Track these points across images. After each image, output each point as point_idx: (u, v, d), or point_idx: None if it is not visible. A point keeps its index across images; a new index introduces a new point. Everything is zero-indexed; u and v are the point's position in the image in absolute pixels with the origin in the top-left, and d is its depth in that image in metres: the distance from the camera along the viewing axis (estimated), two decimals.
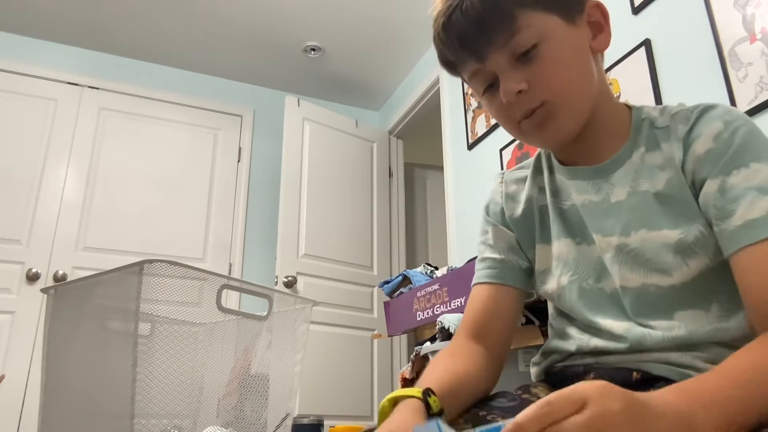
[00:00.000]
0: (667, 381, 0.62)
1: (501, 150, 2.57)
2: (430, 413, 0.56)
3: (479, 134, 2.77)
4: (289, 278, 3.05)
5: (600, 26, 0.70)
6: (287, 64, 3.51)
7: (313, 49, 3.35)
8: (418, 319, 2.11)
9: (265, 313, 1.64)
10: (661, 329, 0.64)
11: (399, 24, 3.13)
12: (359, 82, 3.71)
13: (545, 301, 0.81)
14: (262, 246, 3.42)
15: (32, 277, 2.87)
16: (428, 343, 1.86)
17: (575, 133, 0.69)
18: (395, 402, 0.59)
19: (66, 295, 1.56)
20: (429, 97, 3.38)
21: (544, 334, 1.56)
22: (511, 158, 2.50)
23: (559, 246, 0.74)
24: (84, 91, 3.29)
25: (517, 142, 2.47)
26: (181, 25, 3.16)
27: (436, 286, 2.02)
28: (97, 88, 3.32)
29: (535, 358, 0.79)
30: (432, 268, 2.40)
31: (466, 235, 2.79)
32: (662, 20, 1.84)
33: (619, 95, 1.93)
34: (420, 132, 3.84)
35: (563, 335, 0.74)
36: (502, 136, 2.58)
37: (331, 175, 3.44)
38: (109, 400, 1.35)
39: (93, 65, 3.35)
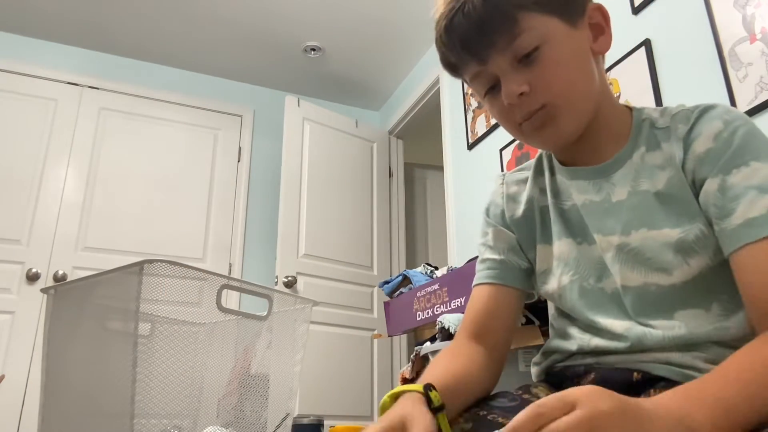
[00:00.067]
0: (667, 381, 0.62)
1: (501, 150, 2.57)
2: (431, 407, 0.56)
3: (479, 134, 2.77)
4: (289, 278, 3.05)
5: (601, 28, 0.70)
6: (287, 64, 3.51)
7: (313, 49, 3.35)
8: (418, 319, 2.11)
9: (265, 313, 1.64)
10: (661, 328, 0.64)
11: (399, 24, 3.13)
12: (359, 82, 3.71)
13: (545, 301, 0.82)
14: (262, 246, 3.43)
15: (32, 277, 2.87)
16: (428, 343, 1.86)
17: (576, 135, 0.69)
18: (396, 397, 0.59)
19: (66, 295, 1.56)
20: (429, 97, 3.38)
21: (544, 334, 1.56)
22: (511, 158, 2.50)
23: (560, 246, 0.75)
24: (84, 91, 3.29)
25: (517, 142, 2.47)
26: (181, 25, 3.16)
27: (436, 286, 2.02)
28: (97, 88, 3.32)
29: (536, 358, 0.79)
30: (432, 268, 2.40)
31: (466, 235, 2.79)
32: (662, 20, 1.84)
33: (619, 95, 1.93)
34: (420, 132, 3.84)
35: (564, 335, 0.74)
36: (502, 136, 2.58)
37: (331, 175, 3.44)
38: (109, 400, 1.35)
39: (93, 65, 3.35)
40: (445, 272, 2.18)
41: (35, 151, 3.07)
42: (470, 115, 2.89)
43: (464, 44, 0.66)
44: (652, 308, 0.66)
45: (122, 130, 3.31)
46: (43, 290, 1.63)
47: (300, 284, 3.09)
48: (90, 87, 3.31)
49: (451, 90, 3.11)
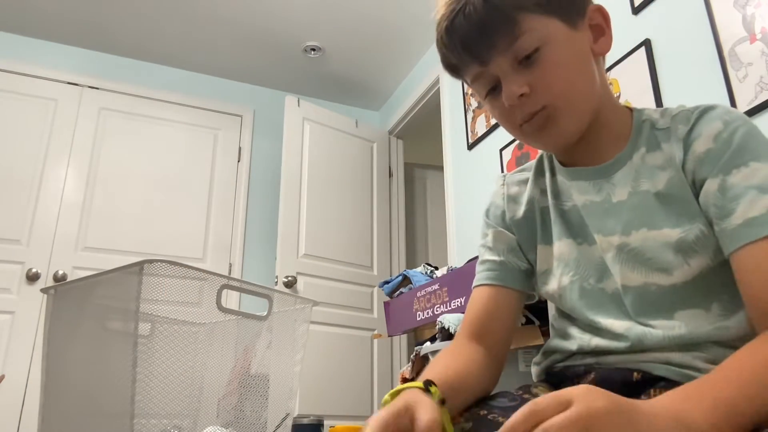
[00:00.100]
0: (667, 381, 0.62)
1: (501, 150, 2.57)
2: None
3: (479, 134, 2.77)
4: (289, 278, 3.05)
5: (601, 29, 0.70)
6: (287, 64, 3.51)
7: (313, 49, 3.35)
8: (418, 319, 2.11)
9: (265, 313, 1.64)
10: (661, 328, 0.64)
11: (399, 24, 3.13)
12: (359, 82, 3.71)
13: (545, 301, 0.82)
14: (262, 246, 3.43)
15: (32, 277, 2.87)
16: (428, 343, 1.86)
17: (577, 136, 0.70)
18: (397, 395, 0.59)
19: (66, 295, 1.56)
20: (429, 97, 3.38)
21: (545, 334, 1.56)
22: (511, 158, 2.50)
23: (560, 246, 0.75)
24: (84, 91, 3.29)
25: (517, 142, 2.47)
26: (181, 25, 3.16)
27: (436, 286, 2.02)
28: (97, 88, 3.32)
29: (536, 358, 0.79)
30: (432, 268, 2.40)
31: (466, 235, 2.79)
32: (662, 20, 1.84)
33: (619, 95, 1.93)
34: (420, 132, 3.84)
35: (564, 335, 0.75)
36: (502, 136, 2.58)
37: (331, 175, 3.44)
38: (109, 400, 1.35)
39: (93, 65, 3.35)
40: (445, 272, 2.18)
41: (35, 151, 3.07)
42: (470, 115, 2.89)
43: (465, 46, 0.67)
44: (652, 308, 0.66)
45: (122, 130, 3.31)
46: (43, 290, 1.63)
47: (300, 284, 3.09)
48: (90, 87, 3.31)
49: (451, 90, 3.11)
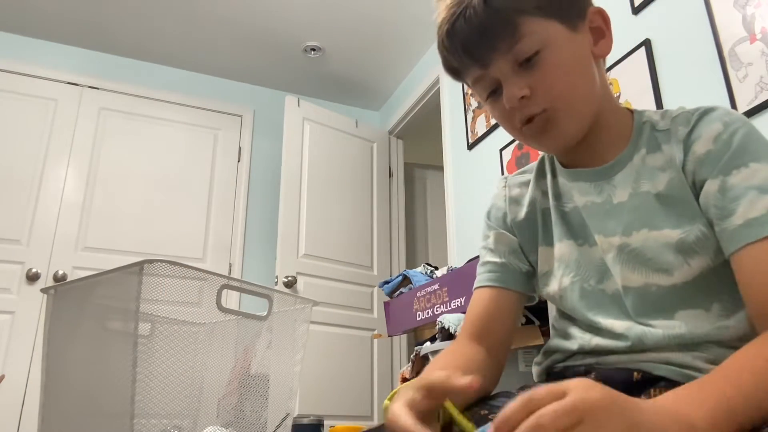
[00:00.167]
0: (667, 381, 0.62)
1: (501, 150, 2.57)
2: None
3: (479, 134, 2.77)
4: (289, 278, 3.05)
5: (601, 32, 0.71)
6: (287, 64, 3.51)
7: (313, 49, 3.35)
8: (418, 319, 2.11)
9: (265, 313, 1.64)
10: (662, 328, 0.64)
11: (399, 24, 3.13)
12: (359, 82, 3.71)
13: (545, 302, 0.82)
14: (262, 246, 3.43)
15: (32, 277, 2.87)
16: (428, 343, 1.86)
17: (577, 138, 0.70)
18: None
19: (66, 295, 1.56)
20: (429, 97, 3.38)
21: (545, 334, 1.56)
22: (511, 158, 2.50)
23: (561, 248, 0.75)
24: (84, 91, 3.29)
25: (517, 142, 2.47)
26: (181, 25, 3.16)
27: (436, 286, 2.02)
28: (97, 88, 3.32)
29: (537, 358, 0.80)
30: (432, 268, 2.40)
31: (466, 235, 2.79)
32: (662, 20, 1.84)
33: (619, 95, 1.93)
34: (420, 132, 3.84)
35: (565, 335, 0.75)
36: (502, 136, 2.58)
37: (331, 175, 3.44)
38: (109, 400, 1.35)
39: (93, 65, 3.35)
40: (445, 272, 2.18)
41: (35, 151, 3.07)
42: (470, 115, 2.89)
43: (466, 49, 0.67)
44: (652, 309, 0.66)
45: (122, 130, 3.32)
46: (43, 290, 1.63)
47: (300, 284, 3.09)
48: (90, 87, 3.31)
49: (451, 90, 3.11)
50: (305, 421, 2.11)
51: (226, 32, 3.22)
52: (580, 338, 0.71)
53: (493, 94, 0.70)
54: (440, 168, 3.19)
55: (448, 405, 0.56)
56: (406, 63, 3.49)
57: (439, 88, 3.23)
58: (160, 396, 1.34)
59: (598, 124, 0.71)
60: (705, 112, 0.67)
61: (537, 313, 1.60)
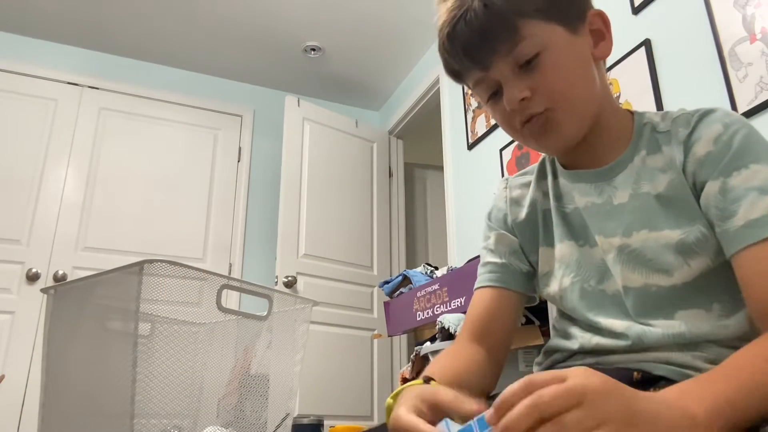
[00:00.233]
0: (667, 381, 0.62)
1: (501, 150, 2.57)
2: None
3: (479, 134, 2.77)
4: (289, 278, 3.05)
5: (601, 34, 0.71)
6: (287, 64, 3.51)
7: (313, 49, 3.35)
8: (418, 319, 2.11)
9: (265, 313, 1.64)
10: (662, 328, 0.65)
11: (399, 24, 3.13)
12: (359, 82, 3.71)
13: (545, 302, 0.82)
14: (262, 246, 3.43)
15: (32, 277, 2.87)
16: (428, 343, 1.86)
17: (578, 139, 0.70)
18: (398, 396, 0.60)
19: (66, 295, 1.56)
20: (429, 97, 3.38)
21: (545, 334, 1.56)
22: (511, 158, 2.50)
23: (562, 248, 0.75)
24: (84, 91, 3.29)
25: (517, 142, 2.47)
26: (181, 25, 3.16)
27: (436, 286, 2.02)
28: (97, 88, 3.32)
29: (538, 358, 0.80)
30: (432, 268, 2.40)
31: (466, 235, 2.79)
32: (662, 20, 1.84)
33: (619, 95, 1.94)
34: (420, 132, 3.84)
35: (566, 335, 0.75)
36: (502, 136, 2.58)
37: (331, 175, 3.44)
38: (109, 400, 1.35)
39: (93, 65, 3.35)
40: (445, 272, 2.18)
41: (35, 151, 3.07)
42: (470, 115, 2.89)
43: (466, 51, 0.67)
44: (652, 309, 0.66)
45: (122, 130, 3.32)
46: (43, 290, 1.63)
47: (300, 284, 3.09)
48: (90, 87, 3.31)
49: (451, 90, 3.11)
50: (305, 421, 2.11)
51: (226, 32, 3.22)
52: (580, 338, 0.72)
53: (494, 96, 0.70)
54: (440, 168, 3.19)
55: None
56: (406, 63, 3.49)
57: (439, 88, 3.23)
58: (160, 396, 1.34)
59: (598, 125, 0.71)
60: (705, 114, 0.67)
61: (537, 313, 1.60)
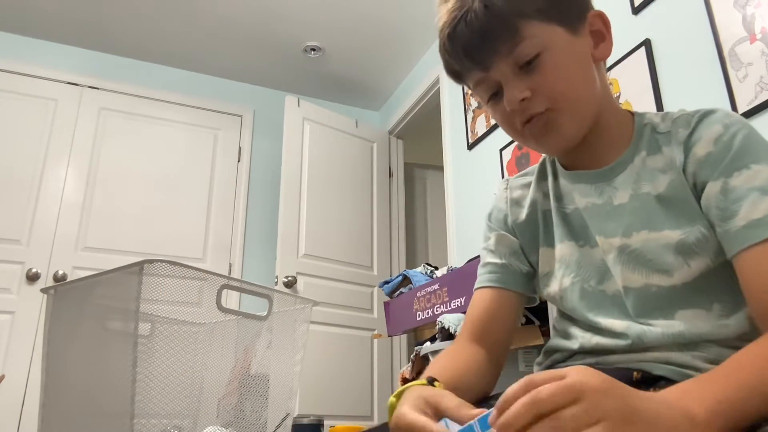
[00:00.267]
0: (667, 381, 0.62)
1: (501, 150, 2.57)
2: None
3: (479, 134, 2.77)
4: (289, 278, 3.05)
5: (602, 35, 0.71)
6: (287, 64, 3.51)
7: (313, 49, 3.35)
8: (418, 319, 2.11)
9: (265, 313, 1.64)
10: (661, 327, 0.65)
11: (399, 24, 3.13)
12: (359, 82, 3.71)
13: (545, 302, 0.82)
14: (262, 246, 3.43)
15: (32, 277, 2.87)
16: (428, 343, 1.87)
17: (578, 140, 0.71)
18: (401, 395, 0.60)
19: (66, 295, 1.56)
20: (429, 97, 3.38)
21: (545, 334, 1.56)
22: (511, 158, 2.50)
23: (562, 249, 0.76)
24: (84, 91, 3.29)
25: (516, 142, 2.47)
26: (181, 25, 3.16)
27: (436, 286, 2.02)
28: (97, 88, 3.32)
29: (538, 359, 0.80)
30: (432, 268, 2.40)
31: (466, 235, 2.79)
32: (662, 20, 1.84)
33: (619, 95, 1.94)
34: (420, 132, 3.84)
35: (566, 335, 0.75)
36: (502, 136, 2.58)
37: (331, 175, 3.44)
38: (109, 400, 1.35)
39: (93, 65, 3.35)
40: (445, 272, 2.18)
41: (35, 151, 3.07)
42: (470, 115, 2.89)
43: (467, 52, 0.68)
44: (653, 309, 0.66)
45: (122, 130, 3.32)
46: (43, 290, 1.63)
47: (300, 284, 3.09)
48: (90, 87, 3.31)
49: (451, 90, 3.11)
50: (305, 421, 2.11)
51: (226, 32, 3.22)
52: (580, 338, 0.72)
53: (495, 96, 0.70)
54: (440, 168, 3.19)
55: None
56: (406, 63, 3.49)
57: (439, 88, 3.23)
58: (160, 396, 1.34)
59: (598, 126, 0.71)
60: (705, 114, 0.67)
61: (537, 313, 1.60)
